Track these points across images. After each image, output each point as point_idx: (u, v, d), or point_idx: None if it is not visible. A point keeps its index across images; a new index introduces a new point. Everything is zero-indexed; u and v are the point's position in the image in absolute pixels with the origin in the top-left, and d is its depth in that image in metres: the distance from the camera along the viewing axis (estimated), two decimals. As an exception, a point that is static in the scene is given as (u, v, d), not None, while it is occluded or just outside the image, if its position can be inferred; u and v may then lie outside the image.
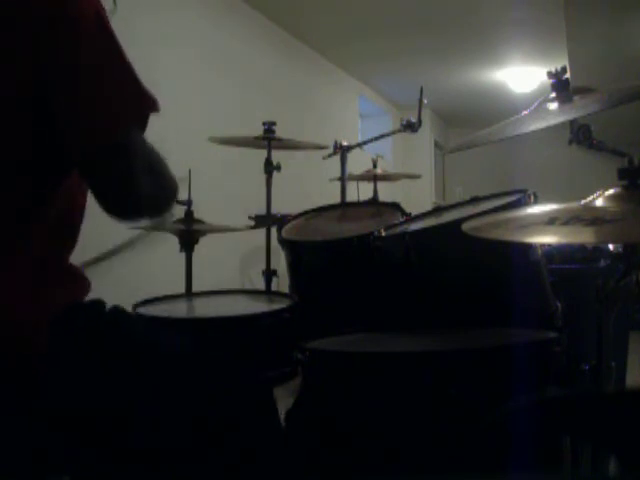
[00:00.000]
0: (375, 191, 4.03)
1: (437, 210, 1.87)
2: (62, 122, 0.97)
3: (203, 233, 2.58)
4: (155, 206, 1.07)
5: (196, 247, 2.56)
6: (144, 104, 1.00)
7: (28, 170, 0.99)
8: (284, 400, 1.37)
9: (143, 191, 1.01)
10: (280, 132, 3.03)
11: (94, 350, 1.00)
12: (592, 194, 1.20)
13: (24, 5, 0.95)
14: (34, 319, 0.96)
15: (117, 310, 1.09)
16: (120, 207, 1.03)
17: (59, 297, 1.01)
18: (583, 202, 1.19)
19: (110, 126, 0.98)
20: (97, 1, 1.00)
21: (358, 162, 4.02)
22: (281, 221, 2.05)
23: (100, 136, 0.97)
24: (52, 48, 0.94)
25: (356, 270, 1.71)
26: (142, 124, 1.01)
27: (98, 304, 1.07)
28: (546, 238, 1.31)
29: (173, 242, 2.55)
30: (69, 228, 1.08)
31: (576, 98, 1.38)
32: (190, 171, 2.42)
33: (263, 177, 3.11)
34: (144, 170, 1.01)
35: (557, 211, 1.18)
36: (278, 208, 3.13)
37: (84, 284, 1.07)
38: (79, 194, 1.07)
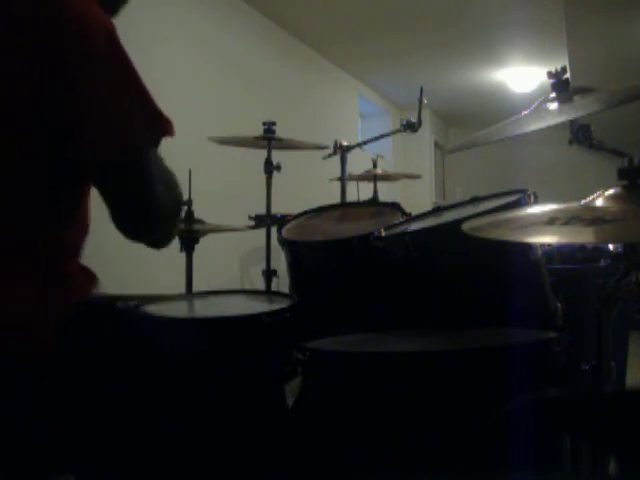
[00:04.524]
0: (375, 191, 4.03)
1: (437, 210, 1.87)
2: (77, 136, 0.98)
3: (203, 233, 2.58)
4: (169, 219, 1.08)
5: (196, 247, 2.56)
6: (159, 124, 1.01)
7: (43, 174, 0.99)
8: (284, 400, 1.37)
9: (159, 206, 1.02)
10: (280, 132, 3.03)
11: (97, 350, 1.00)
12: (592, 194, 1.20)
13: (32, 24, 0.95)
14: (45, 317, 0.96)
15: (126, 307, 1.10)
16: (136, 223, 1.04)
17: (67, 296, 1.01)
18: (583, 202, 1.19)
19: (124, 142, 0.98)
20: (104, 16, 1.01)
21: (358, 162, 4.02)
22: (281, 221, 2.05)
23: (114, 151, 0.98)
24: (62, 67, 0.95)
25: (356, 270, 1.71)
26: (156, 143, 1.02)
27: (106, 301, 1.07)
28: (546, 238, 1.31)
29: (173, 242, 2.55)
30: (80, 228, 1.08)
31: (576, 98, 1.38)
32: (190, 171, 2.42)
33: (263, 177, 3.11)
34: (159, 185, 1.02)
35: (557, 211, 1.18)
36: (278, 208, 3.14)
37: (93, 281, 1.08)
38: (88, 195, 1.08)
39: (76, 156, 0.99)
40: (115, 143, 0.98)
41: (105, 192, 1.02)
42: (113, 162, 0.98)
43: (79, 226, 1.08)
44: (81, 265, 1.08)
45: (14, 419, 0.94)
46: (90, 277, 1.08)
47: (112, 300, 1.09)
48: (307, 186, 4.58)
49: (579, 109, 1.35)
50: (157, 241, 1.10)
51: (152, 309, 1.72)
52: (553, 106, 1.39)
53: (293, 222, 2.00)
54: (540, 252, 1.53)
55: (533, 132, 1.36)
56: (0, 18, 0.95)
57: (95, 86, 0.97)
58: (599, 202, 1.17)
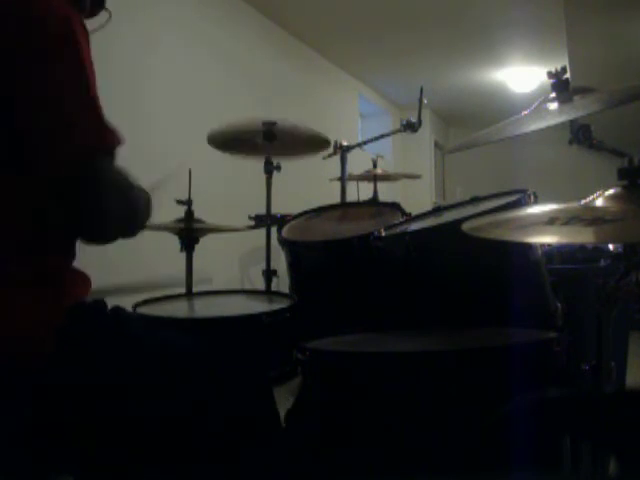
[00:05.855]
0: (375, 191, 4.03)
1: (437, 210, 1.87)
2: (26, 145, 0.97)
3: (203, 233, 2.58)
4: (125, 229, 1.06)
5: (196, 247, 2.56)
6: (107, 135, 0.99)
7: (22, 179, 0.99)
8: (284, 400, 1.37)
9: (113, 219, 1.01)
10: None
11: (96, 351, 1.00)
12: (592, 194, 1.20)
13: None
14: (43, 319, 0.96)
15: (118, 310, 1.10)
16: (90, 232, 1.03)
17: (63, 297, 1.01)
18: (583, 202, 1.19)
19: (73, 158, 0.96)
20: (72, 21, 0.99)
21: (358, 162, 4.02)
22: (281, 221, 2.05)
23: (64, 168, 0.97)
24: (18, 62, 0.94)
25: (356, 270, 1.71)
26: (110, 153, 1.00)
27: (99, 304, 1.07)
28: (546, 238, 1.31)
29: (173, 242, 2.55)
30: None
31: (576, 98, 1.38)
32: (190, 171, 2.42)
33: (263, 177, 3.11)
34: (114, 199, 1.00)
35: (557, 211, 1.18)
36: (278, 208, 3.14)
37: (86, 283, 1.08)
38: None
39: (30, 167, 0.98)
40: (61, 158, 0.96)
41: (56, 202, 1.00)
42: (64, 173, 0.97)
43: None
44: (75, 269, 1.08)
45: (14, 419, 0.94)
46: (84, 279, 1.08)
47: (104, 303, 1.09)
48: (307, 186, 4.58)
49: (579, 109, 1.35)
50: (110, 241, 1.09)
51: (152, 309, 1.72)
52: (553, 106, 1.39)
53: (293, 222, 2.01)
54: (540, 252, 1.53)
55: (533, 132, 1.36)
56: None
57: (44, 87, 0.96)
58: (599, 202, 1.17)
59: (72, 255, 1.08)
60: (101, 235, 1.03)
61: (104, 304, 1.08)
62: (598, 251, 2.10)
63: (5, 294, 0.95)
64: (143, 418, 0.99)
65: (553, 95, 1.41)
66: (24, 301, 0.96)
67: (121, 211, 1.02)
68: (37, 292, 0.98)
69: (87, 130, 0.98)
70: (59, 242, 1.04)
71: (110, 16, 1.09)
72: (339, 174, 3.26)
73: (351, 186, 3.51)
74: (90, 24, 1.04)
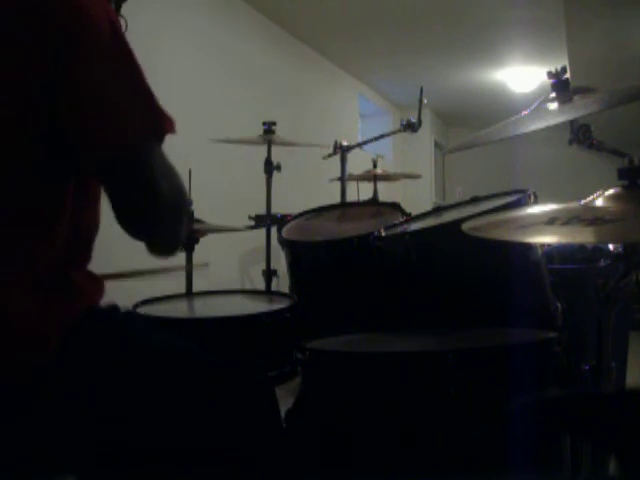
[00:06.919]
0: (375, 191, 4.04)
1: (437, 210, 1.87)
2: (74, 133, 0.96)
3: (203, 233, 2.58)
4: (174, 214, 1.05)
5: (196, 247, 2.56)
6: (161, 121, 1.00)
7: (45, 177, 0.98)
8: (284, 400, 1.37)
9: (164, 201, 1.01)
10: (280, 132, 3.03)
11: (109, 354, 1.00)
12: (592, 194, 1.20)
13: (38, 15, 0.94)
14: (51, 325, 0.96)
15: (130, 315, 1.09)
16: (141, 219, 1.02)
17: (77, 302, 1.01)
18: (583, 202, 1.19)
19: (125, 140, 0.97)
20: (112, 11, 1.01)
21: (358, 162, 4.02)
22: (281, 221, 2.05)
23: (115, 145, 0.97)
24: (65, 57, 0.94)
25: (356, 270, 1.72)
26: (159, 137, 1.01)
27: (112, 309, 1.07)
28: (546, 238, 1.31)
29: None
30: (87, 235, 1.08)
31: (576, 98, 1.38)
32: (190, 171, 2.42)
33: (263, 177, 3.11)
34: (163, 182, 1.01)
35: (557, 211, 1.18)
36: (278, 208, 3.14)
37: (101, 288, 1.07)
38: (95, 200, 1.07)
39: (77, 156, 0.98)
40: (117, 141, 0.97)
41: (108, 189, 1.01)
42: (115, 160, 0.97)
43: (86, 232, 1.08)
44: (89, 272, 1.07)
45: (20, 423, 0.94)
46: (98, 284, 1.07)
47: (117, 307, 1.08)
48: (307, 186, 4.58)
49: (579, 109, 1.35)
50: (164, 243, 1.08)
51: (152, 309, 1.73)
52: (553, 106, 1.39)
53: (293, 222, 2.01)
54: (540, 252, 1.53)
55: (533, 132, 1.36)
56: (5, 11, 0.94)
57: (99, 82, 0.96)
58: (599, 202, 1.17)
59: (87, 258, 1.08)
60: (153, 223, 1.02)
61: (117, 309, 1.08)
62: (598, 251, 2.10)
63: (12, 301, 0.94)
64: (147, 420, 0.99)
65: (553, 95, 1.41)
66: (32, 308, 0.95)
67: (172, 198, 1.02)
68: (45, 299, 0.97)
69: (141, 122, 0.98)
70: (76, 245, 1.04)
71: (126, 24, 1.09)
72: (339, 174, 3.27)
73: (351, 186, 3.52)
74: None
